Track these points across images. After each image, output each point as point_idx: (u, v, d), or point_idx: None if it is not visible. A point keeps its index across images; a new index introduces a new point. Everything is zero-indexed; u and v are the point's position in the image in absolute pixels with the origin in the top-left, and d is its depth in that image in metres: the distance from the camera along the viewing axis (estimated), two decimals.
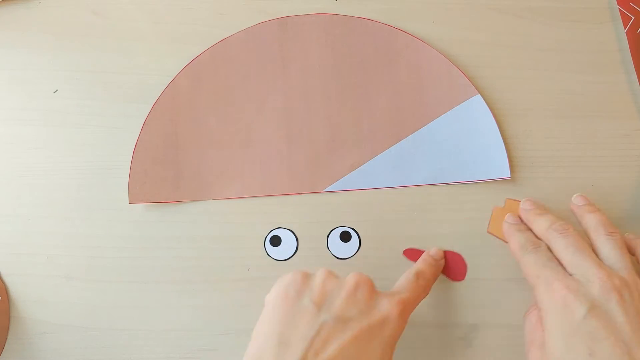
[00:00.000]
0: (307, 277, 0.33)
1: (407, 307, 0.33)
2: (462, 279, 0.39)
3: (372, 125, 0.41)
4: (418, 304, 0.34)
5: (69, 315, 0.40)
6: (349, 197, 0.41)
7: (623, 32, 0.42)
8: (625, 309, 0.30)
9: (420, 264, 0.37)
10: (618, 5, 0.43)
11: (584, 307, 0.30)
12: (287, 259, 0.40)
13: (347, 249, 0.40)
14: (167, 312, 0.39)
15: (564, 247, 0.33)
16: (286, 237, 0.40)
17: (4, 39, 0.43)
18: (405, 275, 0.35)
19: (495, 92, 0.42)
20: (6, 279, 0.40)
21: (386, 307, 0.32)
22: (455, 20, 0.43)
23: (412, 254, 0.39)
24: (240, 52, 0.42)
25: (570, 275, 0.32)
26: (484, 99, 0.41)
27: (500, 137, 0.40)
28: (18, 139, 0.42)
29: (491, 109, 0.41)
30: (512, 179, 0.40)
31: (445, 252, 0.39)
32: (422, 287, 0.35)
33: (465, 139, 0.41)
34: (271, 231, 0.40)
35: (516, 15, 0.43)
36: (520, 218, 0.38)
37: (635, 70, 0.42)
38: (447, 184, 0.40)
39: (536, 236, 0.36)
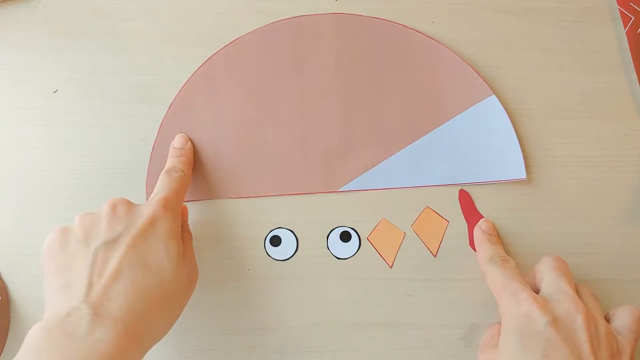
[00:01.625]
0: (63, 229, 0.33)
1: (169, 201, 0.34)
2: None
3: (387, 125, 0.41)
4: (184, 193, 0.37)
5: None
6: (349, 197, 0.41)
7: (623, 32, 0.42)
8: (588, 330, 0.30)
9: (168, 161, 0.38)
10: (618, 5, 0.43)
11: (546, 319, 0.30)
12: (287, 259, 0.40)
13: (347, 249, 0.40)
14: None
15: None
16: (286, 237, 0.40)
17: (4, 39, 0.43)
18: (158, 180, 0.37)
19: (495, 92, 0.42)
20: (6, 279, 0.40)
21: (148, 210, 0.33)
22: (455, 20, 0.43)
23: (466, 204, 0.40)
24: (254, 51, 0.42)
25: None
26: None
27: (516, 138, 0.40)
28: (18, 139, 0.42)
29: None
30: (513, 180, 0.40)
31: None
32: (178, 179, 0.36)
33: (481, 139, 0.40)
34: (271, 231, 0.40)
35: (516, 15, 0.43)
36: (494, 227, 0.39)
37: (635, 70, 0.42)
38: (462, 184, 0.40)
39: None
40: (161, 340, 0.39)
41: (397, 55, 0.42)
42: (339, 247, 0.40)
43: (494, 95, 0.41)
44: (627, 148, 0.41)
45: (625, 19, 0.42)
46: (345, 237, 0.40)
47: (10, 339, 0.39)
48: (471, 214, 0.40)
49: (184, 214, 0.39)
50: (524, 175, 0.40)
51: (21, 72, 0.43)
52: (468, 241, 0.40)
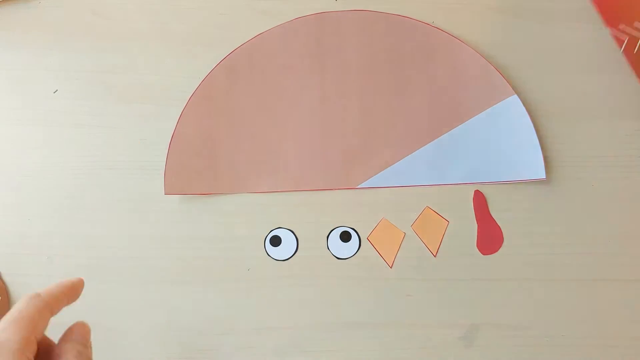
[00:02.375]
0: None
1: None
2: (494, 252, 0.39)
3: (407, 123, 0.41)
4: (34, 323, 0.26)
5: (68, 315, 0.39)
6: (348, 197, 0.41)
7: None
8: None
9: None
10: (608, 28, 0.42)
11: None
12: (287, 259, 0.40)
13: (347, 249, 0.40)
14: (168, 312, 0.39)
15: None
16: (286, 237, 0.40)
17: (4, 39, 0.43)
18: None
19: None
20: (6, 279, 0.40)
21: None
22: (454, 20, 0.43)
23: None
24: (277, 46, 0.42)
25: None
26: None
27: (537, 138, 0.40)
28: (18, 139, 0.42)
29: None
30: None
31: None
32: (31, 307, 0.26)
33: (501, 139, 0.40)
34: (271, 231, 0.40)
35: (516, 15, 0.43)
36: None
37: (635, 70, 0.42)
38: (481, 183, 0.40)
39: None
40: (161, 339, 0.39)
41: (420, 53, 0.42)
42: (339, 247, 0.40)
43: (516, 95, 0.41)
44: (627, 148, 0.41)
45: (619, 42, 0.42)
46: (345, 237, 0.40)
47: None
48: (483, 216, 0.40)
49: (84, 338, 0.30)
50: (543, 176, 0.40)
51: (21, 72, 0.43)
52: (473, 242, 0.40)
